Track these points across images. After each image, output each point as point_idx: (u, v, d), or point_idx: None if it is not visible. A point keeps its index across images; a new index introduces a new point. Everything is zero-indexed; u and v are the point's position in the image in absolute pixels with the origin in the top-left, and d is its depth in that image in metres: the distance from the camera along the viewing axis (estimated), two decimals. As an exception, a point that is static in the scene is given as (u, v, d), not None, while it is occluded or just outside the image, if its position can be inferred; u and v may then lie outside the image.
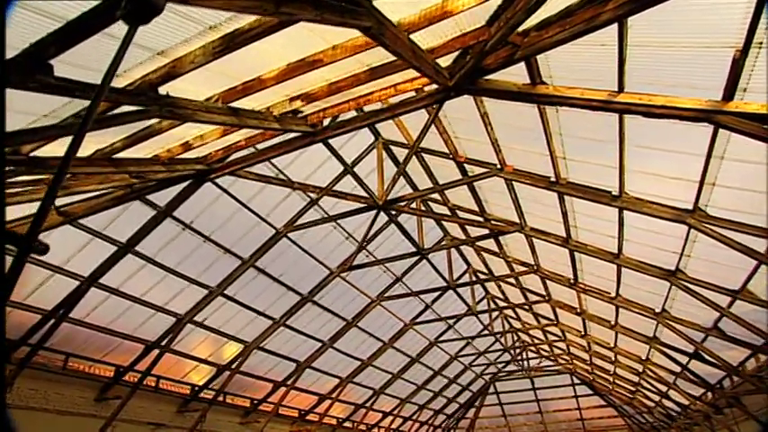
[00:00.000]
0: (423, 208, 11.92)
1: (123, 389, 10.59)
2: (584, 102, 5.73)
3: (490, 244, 13.34)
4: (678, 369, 13.56)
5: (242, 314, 11.94)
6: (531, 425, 26.75)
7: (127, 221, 8.33)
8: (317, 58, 4.91)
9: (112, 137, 5.89)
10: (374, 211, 10.22)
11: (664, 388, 16.45)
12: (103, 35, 3.74)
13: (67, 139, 5.48)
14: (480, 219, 11.39)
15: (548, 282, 13.45)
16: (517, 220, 10.54)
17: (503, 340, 21.22)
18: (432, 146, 9.48)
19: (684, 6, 4.54)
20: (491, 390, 27.56)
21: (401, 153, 10.72)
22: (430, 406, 23.30)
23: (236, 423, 14.18)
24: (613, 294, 11.56)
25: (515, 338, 22.57)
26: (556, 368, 25.23)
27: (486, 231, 11.86)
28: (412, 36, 4.92)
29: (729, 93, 4.93)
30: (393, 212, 11.63)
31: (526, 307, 17.00)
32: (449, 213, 12.11)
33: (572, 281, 12.04)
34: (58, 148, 5.59)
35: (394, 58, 5.52)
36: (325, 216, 10.89)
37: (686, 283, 9.05)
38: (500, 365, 25.72)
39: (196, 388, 12.69)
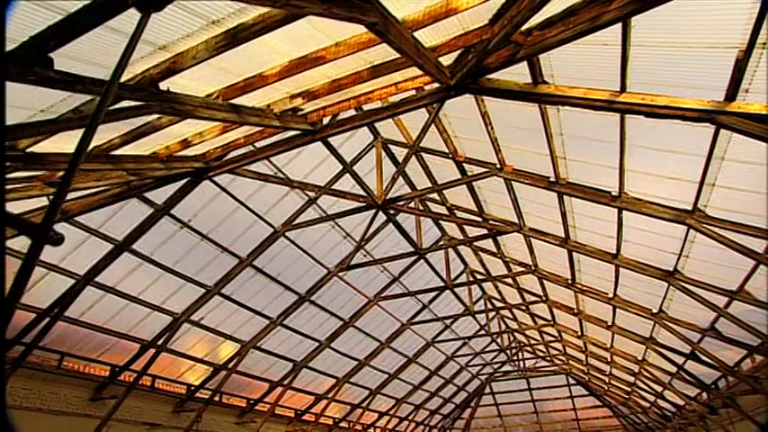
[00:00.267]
0: (420, 207, 11.90)
1: (119, 388, 10.49)
2: (587, 101, 5.73)
3: (488, 244, 13.35)
4: (674, 369, 13.62)
5: (239, 313, 11.87)
6: (527, 425, 26.81)
7: (124, 219, 8.25)
8: (319, 55, 4.87)
9: (110, 133, 5.82)
10: (373, 211, 10.19)
11: (659, 388, 16.52)
12: (105, 28, 3.69)
13: (65, 136, 5.43)
14: (479, 219, 11.38)
15: (545, 282, 13.47)
16: (516, 221, 10.54)
17: (499, 341, 21.25)
18: (431, 145, 9.46)
19: (688, 6, 4.53)
20: (487, 390, 27.61)
21: (399, 152, 10.70)
22: (426, 406, 23.30)
23: (232, 423, 14.10)
24: (611, 295, 11.60)
25: (511, 339, 22.60)
26: (552, 368, 25.30)
27: (484, 231, 11.85)
28: (415, 34, 4.90)
29: (732, 93, 4.94)
30: (392, 212, 11.60)
31: (523, 307, 17.02)
32: (447, 213, 12.10)
33: (570, 281, 12.06)
34: (54, 145, 5.52)
35: (396, 57, 5.50)
36: (324, 215, 10.84)
37: (684, 284, 9.08)
38: (496, 366, 25.76)
39: (192, 388, 12.60)
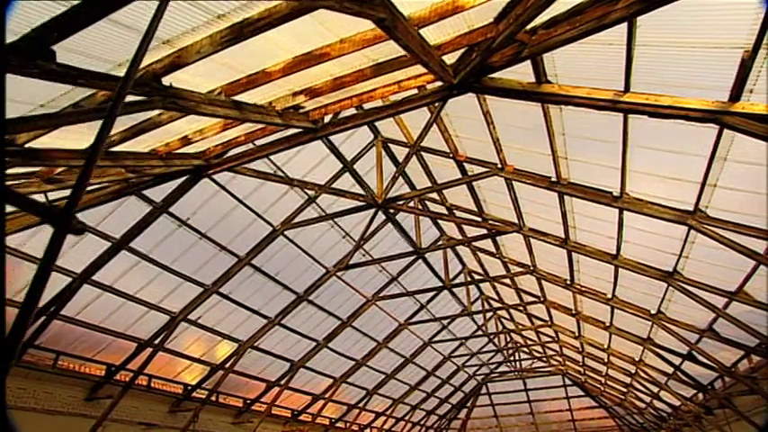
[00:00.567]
0: (420, 207, 11.87)
1: (114, 388, 10.38)
2: (590, 101, 5.71)
3: (487, 244, 13.34)
4: (671, 370, 13.66)
5: (236, 313, 11.79)
6: (523, 426, 26.84)
7: (122, 217, 8.16)
8: (324, 52, 4.83)
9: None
10: (372, 210, 10.14)
11: (655, 389, 16.58)
12: (108, 21, 3.64)
13: (63, 132, 5.35)
14: (479, 219, 11.37)
15: (543, 283, 13.48)
16: (516, 221, 10.53)
17: (496, 341, 21.27)
18: (431, 144, 9.43)
19: (694, 6, 4.53)
20: (483, 390, 27.63)
21: (398, 150, 10.67)
22: (422, 406, 23.27)
23: (228, 423, 14.00)
24: (609, 295, 11.61)
25: (508, 339, 22.63)
26: (548, 369, 25.36)
27: (483, 231, 11.84)
28: (420, 31, 4.87)
29: (736, 94, 4.93)
30: (391, 211, 11.56)
31: (520, 308, 17.03)
32: (447, 213, 12.07)
33: (568, 282, 12.07)
34: (53, 141, 5.44)
35: (399, 55, 5.47)
36: (323, 214, 10.79)
37: (683, 285, 9.10)
38: (492, 366, 25.79)
39: (189, 387, 12.50)
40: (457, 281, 16.08)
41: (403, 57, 5.44)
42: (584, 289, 12.00)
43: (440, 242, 14.27)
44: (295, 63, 4.98)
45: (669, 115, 5.30)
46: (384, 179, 9.61)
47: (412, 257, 13.66)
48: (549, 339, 19.69)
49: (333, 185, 10.16)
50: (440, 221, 13.61)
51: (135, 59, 2.19)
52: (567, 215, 9.12)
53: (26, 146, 5.09)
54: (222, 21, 3.98)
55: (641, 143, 6.53)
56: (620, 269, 10.00)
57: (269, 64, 5.04)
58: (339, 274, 12.75)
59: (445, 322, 18.29)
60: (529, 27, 5.19)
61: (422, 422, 24.78)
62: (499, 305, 18.35)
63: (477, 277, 16.40)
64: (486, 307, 18.80)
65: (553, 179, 8.12)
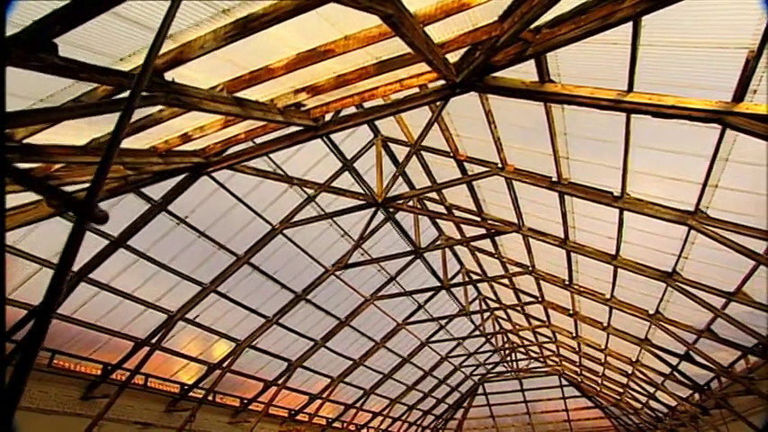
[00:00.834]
0: (419, 206, 11.85)
1: (111, 387, 10.30)
2: (593, 101, 5.70)
3: (486, 244, 13.33)
4: (668, 370, 13.71)
5: (234, 312, 11.73)
6: (519, 426, 26.89)
7: (120, 215, 8.08)
8: (328, 48, 4.79)
9: (110, 125, 5.67)
10: (372, 209, 10.11)
11: (651, 389, 16.64)
12: (111, 14, 3.58)
13: (62, 129, 5.28)
14: (478, 218, 11.35)
15: (542, 283, 13.49)
16: (515, 221, 10.53)
17: (493, 341, 21.28)
18: (431, 143, 9.40)
19: (699, 6, 4.53)
20: (480, 391, 27.65)
21: (398, 149, 10.64)
22: (419, 407, 23.26)
23: (225, 422, 13.93)
24: (608, 296, 11.63)
25: (505, 339, 22.66)
26: (545, 370, 25.42)
27: (482, 231, 11.83)
28: (425, 29, 4.83)
29: (740, 94, 4.94)
30: (391, 210, 11.53)
31: (518, 308, 17.04)
32: (446, 213, 12.05)
33: (567, 282, 12.08)
34: (51, 137, 5.37)
35: (403, 53, 5.43)
36: (322, 213, 10.74)
37: (682, 285, 9.12)
38: (489, 366, 25.81)
39: (185, 387, 12.42)
40: (455, 281, 16.07)
41: (406, 55, 5.40)
42: (582, 289, 12.01)
43: (438, 242, 14.25)
44: (299, 60, 4.93)
45: (672, 115, 5.30)
46: (384, 178, 9.57)
47: (410, 257, 13.63)
48: (546, 340, 19.72)
49: (332, 184, 10.12)
50: (439, 221, 13.59)
51: (150, 54, 2.15)
52: (567, 215, 9.12)
53: (24, 141, 5.02)
54: (227, 15, 3.93)
55: (643, 143, 6.53)
56: (619, 269, 10.01)
57: (272, 60, 4.99)
58: (338, 273, 12.70)
59: (443, 322, 18.28)
60: (533, 26, 5.17)
61: (418, 422, 24.77)
62: (497, 305, 18.36)
63: (475, 277, 16.40)
64: (484, 307, 18.80)
65: (554, 179, 8.11)
